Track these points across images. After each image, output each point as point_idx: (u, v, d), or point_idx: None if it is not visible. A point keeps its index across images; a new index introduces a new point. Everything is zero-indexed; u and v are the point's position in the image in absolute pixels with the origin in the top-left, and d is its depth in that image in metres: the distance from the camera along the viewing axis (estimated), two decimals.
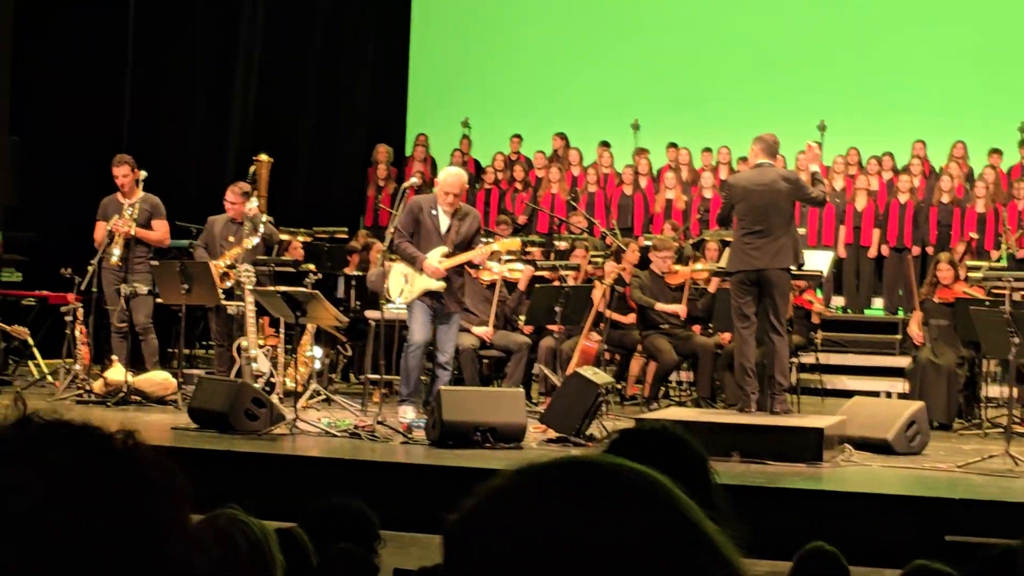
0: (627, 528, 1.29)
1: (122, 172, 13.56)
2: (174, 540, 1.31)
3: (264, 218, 13.47)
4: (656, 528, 1.31)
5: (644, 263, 14.94)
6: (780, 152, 12.12)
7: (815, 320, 15.07)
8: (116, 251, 13.41)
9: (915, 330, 13.88)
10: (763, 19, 21.88)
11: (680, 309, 14.14)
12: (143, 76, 17.37)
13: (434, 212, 11.60)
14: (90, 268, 13.34)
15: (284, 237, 15.10)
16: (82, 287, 13.45)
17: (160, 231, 13.78)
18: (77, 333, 13.51)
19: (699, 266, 14.84)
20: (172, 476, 1.34)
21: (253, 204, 13.40)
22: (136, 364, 13.43)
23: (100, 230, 13.55)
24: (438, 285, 11.49)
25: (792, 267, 11.67)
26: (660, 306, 14.13)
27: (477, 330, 13.41)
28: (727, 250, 12.28)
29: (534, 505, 1.32)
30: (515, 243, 13.70)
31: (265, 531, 3.30)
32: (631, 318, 14.35)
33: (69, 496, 1.26)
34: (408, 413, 11.37)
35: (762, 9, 21.93)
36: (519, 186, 20.32)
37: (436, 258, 11.49)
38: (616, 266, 14.41)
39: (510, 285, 14.22)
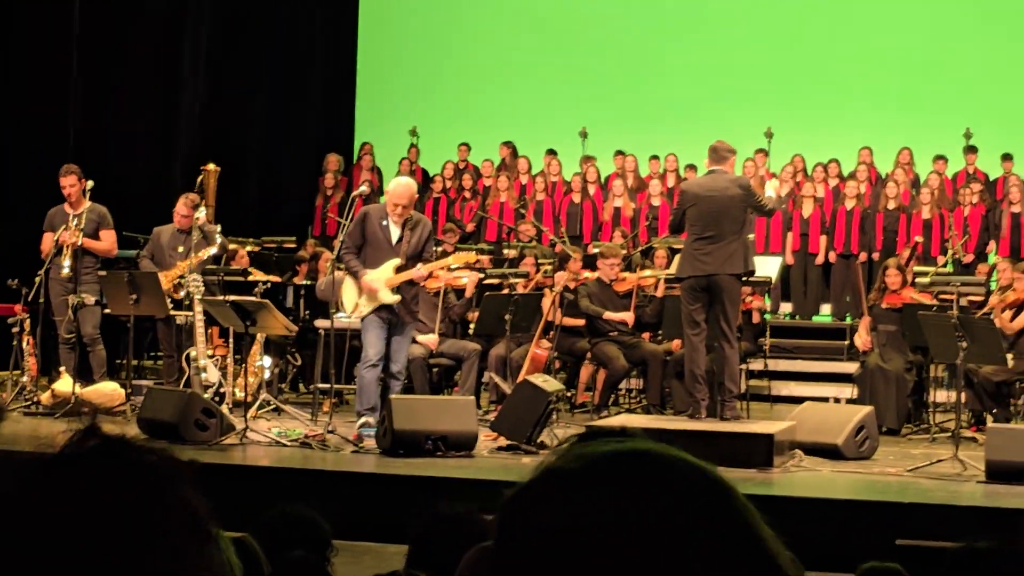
0: (680, 520, 1.30)
1: (69, 182, 13.47)
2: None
3: (215, 228, 13.44)
4: (710, 523, 1.31)
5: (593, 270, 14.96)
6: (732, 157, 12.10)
7: (756, 320, 15.08)
8: (66, 262, 13.33)
9: (863, 335, 13.96)
10: (709, 26, 21.97)
11: (628, 317, 14.16)
12: (89, 85, 17.27)
13: (384, 223, 11.55)
14: (37, 279, 13.25)
15: (232, 247, 15.04)
16: (29, 298, 13.36)
17: (107, 241, 13.69)
18: (24, 345, 13.41)
19: (647, 272, 14.87)
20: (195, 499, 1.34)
21: (201, 213, 13.34)
22: (84, 375, 13.35)
23: (47, 241, 13.46)
24: (393, 299, 11.46)
25: (741, 273, 11.68)
26: (608, 315, 14.14)
27: (422, 338, 13.39)
28: (677, 257, 12.30)
29: (590, 489, 1.32)
30: (469, 256, 13.67)
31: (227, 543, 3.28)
32: (583, 321, 14.36)
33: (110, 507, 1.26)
34: (366, 425, 11.30)
35: (708, 17, 22.02)
36: (468, 194, 20.32)
37: (388, 272, 11.45)
38: (564, 275, 14.41)
39: (458, 291, 14.21)
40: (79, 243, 13.34)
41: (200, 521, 1.32)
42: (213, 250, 13.09)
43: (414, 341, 12.94)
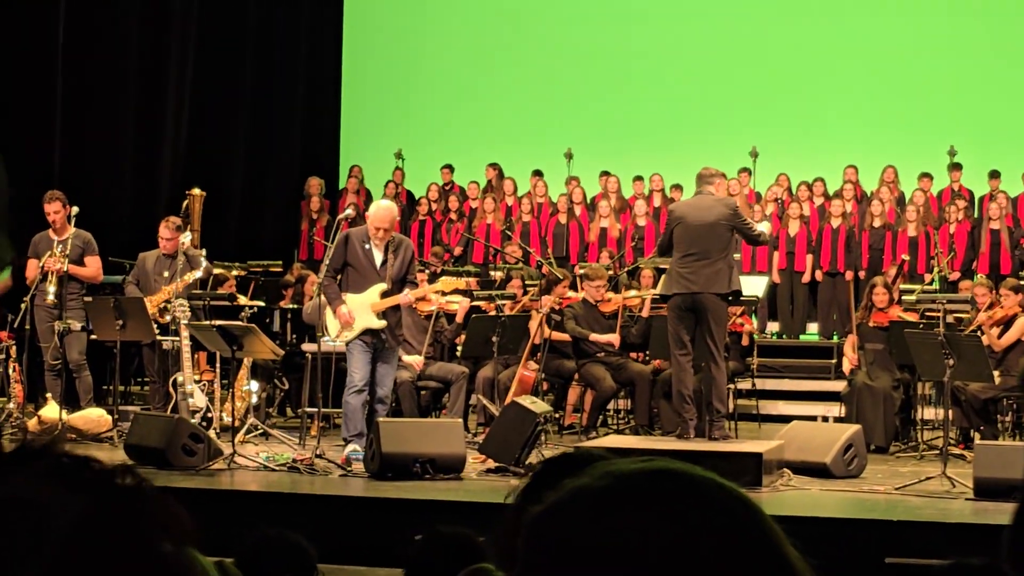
0: (706, 542, 1.29)
1: (54, 208, 13.44)
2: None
3: (200, 252, 13.43)
4: (736, 545, 1.31)
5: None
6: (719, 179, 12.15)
7: (744, 342, 15.10)
8: (51, 289, 13.30)
9: (849, 354, 13.97)
10: (693, 46, 22.01)
11: (614, 339, 14.15)
12: (73, 111, 17.26)
13: (367, 246, 11.52)
14: (22, 306, 13.23)
15: (218, 271, 15.02)
16: (15, 325, 13.33)
17: (93, 267, 13.67)
18: (10, 371, 13.38)
19: (631, 293, 14.87)
20: (175, 514, 1.33)
21: (187, 238, 13.33)
22: (71, 402, 13.31)
23: (32, 268, 13.44)
24: (378, 324, 11.44)
25: (727, 293, 11.68)
26: (594, 336, 14.14)
27: (408, 359, 13.37)
28: (663, 277, 12.32)
29: (619, 507, 1.32)
30: (459, 282, 13.66)
31: (207, 566, 3.27)
32: (570, 337, 14.36)
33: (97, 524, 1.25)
34: (354, 450, 11.27)
35: (692, 37, 22.06)
36: (454, 216, 20.32)
37: (374, 296, 11.43)
38: (551, 298, 14.39)
39: (448, 316, 14.21)
40: (64, 269, 13.32)
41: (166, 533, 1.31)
42: (198, 274, 13.08)
43: (399, 362, 12.93)
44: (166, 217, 13.82)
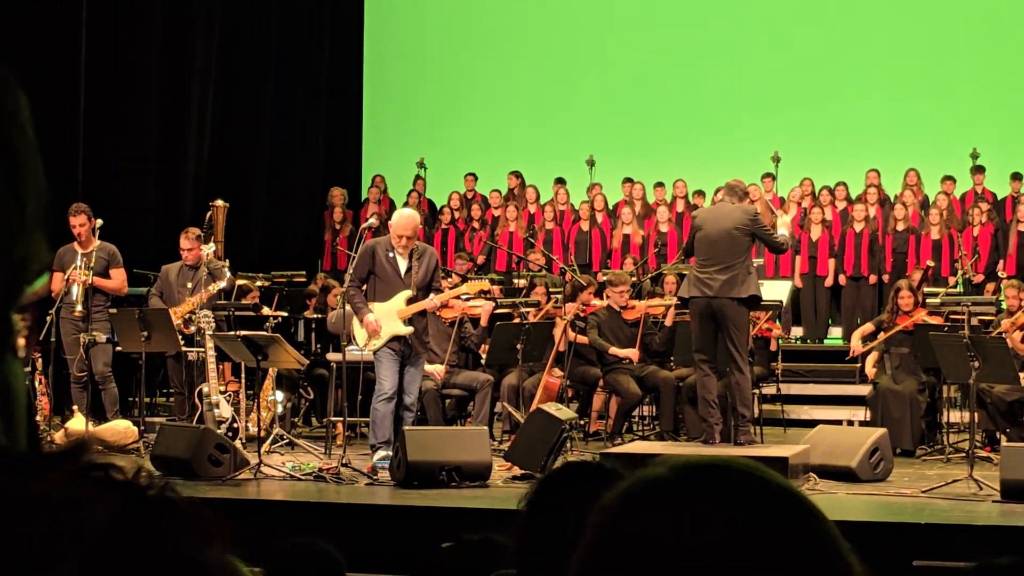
0: (770, 541, 1.30)
1: (79, 221, 13.49)
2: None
3: (223, 263, 13.47)
4: (800, 547, 1.32)
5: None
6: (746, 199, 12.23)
7: (773, 348, 15.11)
8: (78, 301, 13.36)
9: (869, 366, 13.96)
10: (714, 52, 22.00)
11: (633, 354, 14.10)
12: (96, 124, 17.31)
13: (391, 255, 11.55)
14: (48, 319, 13.27)
15: (242, 282, 15.07)
16: (40, 338, 13.38)
17: (118, 279, 13.72)
18: (36, 384, 13.42)
19: (655, 301, 14.86)
20: (213, 521, 1.34)
21: (210, 249, 13.38)
22: (97, 414, 13.35)
23: (57, 281, 13.48)
24: (406, 330, 11.46)
25: (746, 298, 11.67)
26: (613, 350, 14.11)
27: (429, 368, 13.38)
28: (684, 281, 12.35)
29: (687, 498, 1.32)
30: (483, 284, 13.66)
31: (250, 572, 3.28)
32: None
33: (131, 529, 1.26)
34: (383, 458, 11.28)
35: (714, 42, 22.05)
36: (476, 225, 20.34)
37: (400, 303, 11.45)
38: (575, 305, 14.39)
39: (473, 320, 14.21)
40: (89, 282, 13.37)
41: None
42: (221, 284, 13.12)
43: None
44: (186, 229, 13.87)
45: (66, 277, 13.40)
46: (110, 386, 13.61)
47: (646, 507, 1.34)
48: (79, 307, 13.33)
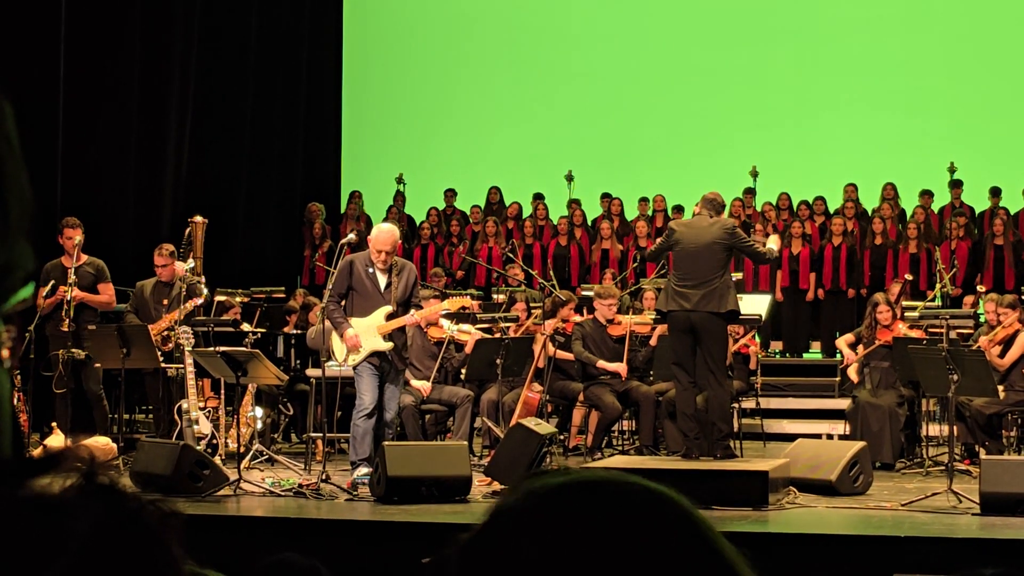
0: (639, 547, 1.29)
1: (78, 235, 13.51)
2: None
3: (199, 279, 13.45)
4: (671, 548, 1.31)
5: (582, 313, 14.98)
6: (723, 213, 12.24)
7: (752, 365, 15.14)
8: (67, 317, 13.34)
9: (852, 372, 13.95)
10: (693, 67, 22.05)
11: (621, 368, 14.12)
12: (75, 139, 17.27)
13: (371, 270, 11.54)
14: (27, 335, 13.22)
15: (222, 298, 15.04)
16: (19, 353, 13.31)
17: (106, 295, 13.72)
18: (15, 401, 13.36)
19: (639, 318, 14.86)
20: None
21: (188, 266, 13.36)
22: (80, 430, 13.28)
23: (40, 295, 13.44)
24: (385, 346, 11.45)
25: (724, 313, 11.68)
26: (602, 364, 14.13)
27: (415, 383, 13.38)
28: (661, 293, 12.37)
29: (543, 524, 1.32)
30: (464, 300, 13.65)
31: None
32: (573, 356, 14.35)
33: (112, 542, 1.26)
34: (363, 474, 11.25)
35: (692, 57, 22.11)
36: (455, 240, 20.35)
37: (379, 319, 11.44)
38: (554, 322, 14.39)
39: (457, 345, 14.22)
40: (69, 296, 13.34)
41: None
42: (199, 301, 13.11)
43: (407, 384, 12.92)
44: (159, 245, 13.85)
45: (56, 292, 13.34)
46: (102, 404, 13.59)
47: (500, 538, 1.33)
48: (66, 322, 13.30)
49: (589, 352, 14.20)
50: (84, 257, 13.58)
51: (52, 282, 13.39)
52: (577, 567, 1.28)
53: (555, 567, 1.29)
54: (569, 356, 14.31)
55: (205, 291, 13.35)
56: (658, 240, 12.54)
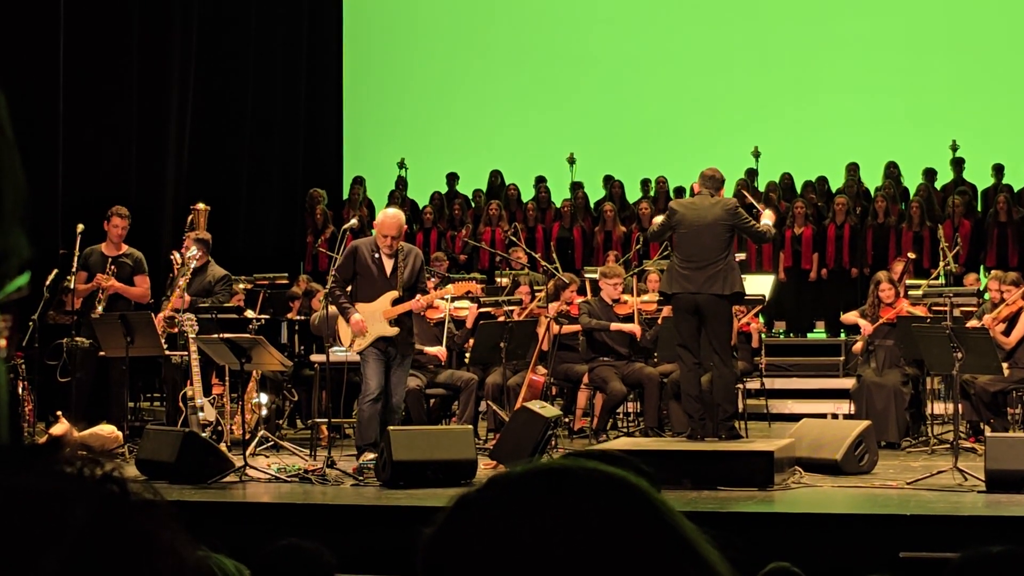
0: (600, 532, 1.29)
1: (124, 224, 13.57)
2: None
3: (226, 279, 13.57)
4: (632, 531, 1.31)
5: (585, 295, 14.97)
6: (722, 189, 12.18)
7: (755, 344, 15.12)
8: (101, 304, 13.39)
9: (868, 328, 13.85)
10: (694, 48, 22.03)
11: (636, 329, 14.14)
12: (75, 129, 17.26)
13: (376, 255, 11.52)
14: (30, 324, 13.23)
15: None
16: (23, 343, 13.33)
17: (142, 287, 13.74)
18: (20, 390, 13.37)
19: (646, 297, 14.87)
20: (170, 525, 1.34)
21: (191, 252, 13.39)
22: (99, 418, 13.27)
23: (80, 279, 13.45)
24: (391, 331, 11.44)
25: (729, 295, 11.68)
26: (615, 325, 14.11)
27: (430, 350, 13.38)
28: (664, 274, 12.35)
29: (504, 515, 1.32)
30: (471, 284, 13.63)
31: (240, 568, 3.27)
32: (579, 327, 14.33)
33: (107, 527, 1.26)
34: (369, 459, 11.25)
35: (693, 39, 22.08)
36: (458, 224, 20.36)
37: (385, 304, 11.43)
38: (557, 304, 14.38)
39: (457, 322, 14.22)
40: (114, 287, 13.40)
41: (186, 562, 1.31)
42: (193, 264, 13.21)
43: (421, 353, 12.92)
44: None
45: (95, 283, 13.37)
46: (123, 393, 13.62)
47: (463, 530, 1.33)
48: (100, 310, 13.33)
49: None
50: (124, 247, 13.62)
51: (79, 271, 13.36)
52: (538, 555, 1.29)
53: (515, 555, 1.29)
54: (576, 328, 14.28)
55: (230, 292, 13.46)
56: (658, 219, 12.47)
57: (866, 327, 13.85)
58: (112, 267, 13.49)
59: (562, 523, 1.30)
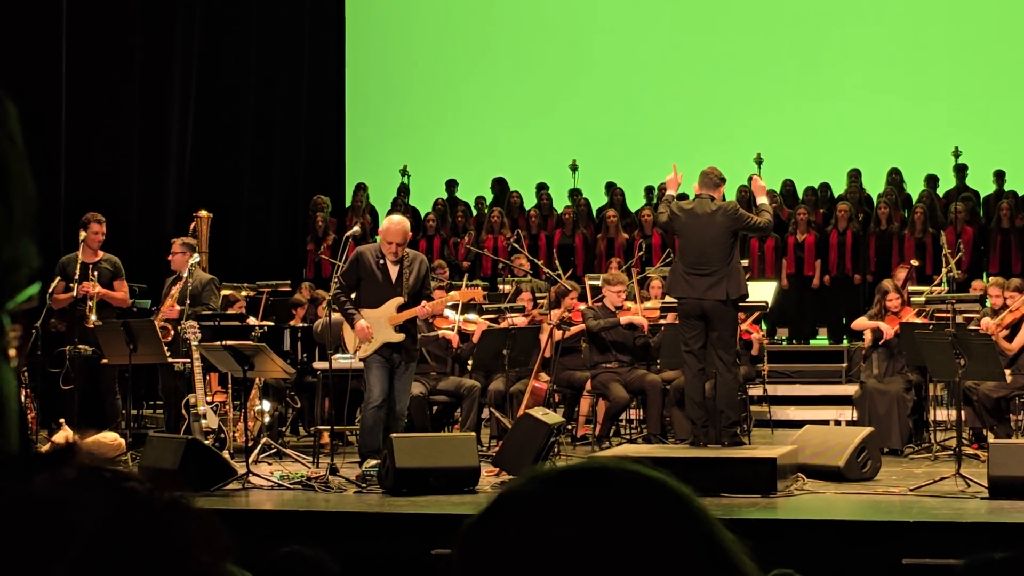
0: (638, 534, 1.30)
1: (102, 230, 13.61)
2: None
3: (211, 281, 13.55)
4: (670, 535, 1.31)
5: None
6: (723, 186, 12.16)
7: (755, 351, 15.10)
8: (92, 312, 13.39)
9: (889, 332, 13.81)
10: (696, 55, 22.03)
11: (643, 322, 14.14)
12: (78, 136, 17.27)
13: (381, 262, 11.52)
14: (33, 331, 13.23)
15: (227, 292, 15.05)
16: (26, 350, 13.33)
17: (122, 291, 13.75)
18: (22, 397, 13.37)
19: (649, 304, 14.85)
20: (211, 527, 1.34)
21: (195, 259, 13.39)
22: (97, 426, 13.27)
23: (60, 290, 13.47)
24: (396, 337, 11.43)
25: (732, 299, 11.67)
26: (626, 319, 14.10)
27: (444, 332, 13.40)
28: (669, 274, 12.34)
29: (545, 510, 1.32)
30: (476, 292, 13.63)
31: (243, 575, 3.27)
32: (579, 328, 14.32)
33: (123, 529, 1.26)
34: (372, 466, 11.25)
35: (695, 45, 22.08)
36: (460, 231, 20.37)
37: (391, 310, 11.42)
38: (559, 311, 14.38)
39: (463, 335, 14.23)
40: (95, 293, 13.41)
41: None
42: (190, 265, 13.24)
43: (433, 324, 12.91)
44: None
45: (76, 290, 13.38)
46: (116, 400, 13.63)
47: (505, 524, 1.34)
48: (93, 317, 13.34)
49: (599, 332, 14.13)
50: (101, 253, 13.64)
51: (58, 279, 13.38)
52: (576, 551, 1.29)
53: (557, 551, 1.29)
54: (580, 327, 14.24)
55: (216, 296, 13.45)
56: (662, 209, 12.35)
57: (888, 330, 13.75)
58: (94, 273, 13.50)
59: (602, 522, 1.31)
